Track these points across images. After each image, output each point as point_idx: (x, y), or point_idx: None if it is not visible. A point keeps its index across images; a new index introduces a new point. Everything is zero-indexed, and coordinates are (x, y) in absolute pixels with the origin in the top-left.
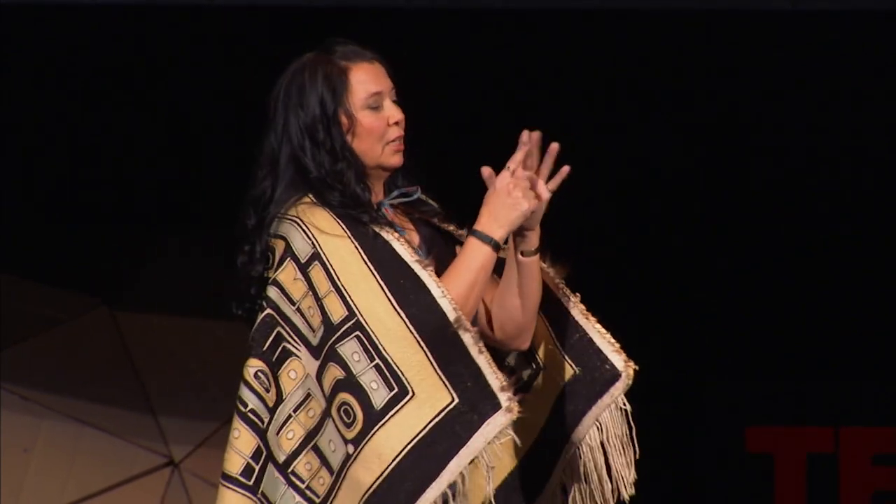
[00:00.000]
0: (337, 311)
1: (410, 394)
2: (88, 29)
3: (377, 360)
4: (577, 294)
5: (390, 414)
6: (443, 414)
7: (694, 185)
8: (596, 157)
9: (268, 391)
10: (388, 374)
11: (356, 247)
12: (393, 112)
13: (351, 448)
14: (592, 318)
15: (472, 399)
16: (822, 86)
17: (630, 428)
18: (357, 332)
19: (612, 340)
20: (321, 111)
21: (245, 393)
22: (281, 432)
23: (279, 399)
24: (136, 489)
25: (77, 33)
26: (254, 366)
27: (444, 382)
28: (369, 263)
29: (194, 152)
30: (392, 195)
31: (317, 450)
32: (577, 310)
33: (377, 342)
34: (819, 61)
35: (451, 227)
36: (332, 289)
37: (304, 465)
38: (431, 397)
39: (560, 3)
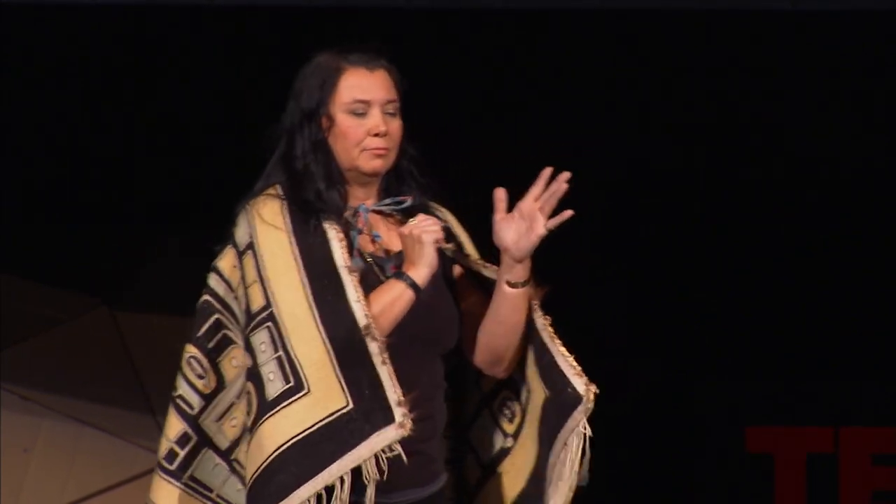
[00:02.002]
0: (257, 301)
1: (306, 390)
2: (88, 29)
3: (280, 353)
4: (549, 317)
5: (281, 406)
6: (335, 416)
7: (693, 184)
8: (595, 157)
9: (201, 378)
10: (287, 367)
11: (290, 241)
12: (378, 122)
13: (248, 436)
14: (558, 341)
15: (367, 408)
16: (822, 86)
17: (583, 453)
18: (269, 323)
19: (574, 363)
20: (308, 104)
21: (178, 379)
22: (224, 419)
23: (220, 386)
24: (136, 489)
25: (77, 33)
26: (188, 352)
27: (341, 386)
28: (298, 259)
29: (194, 152)
30: (381, 202)
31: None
32: (547, 333)
33: (284, 335)
34: (819, 61)
35: (451, 245)
36: (257, 279)
37: (243, 453)
38: (326, 397)
39: (560, 4)
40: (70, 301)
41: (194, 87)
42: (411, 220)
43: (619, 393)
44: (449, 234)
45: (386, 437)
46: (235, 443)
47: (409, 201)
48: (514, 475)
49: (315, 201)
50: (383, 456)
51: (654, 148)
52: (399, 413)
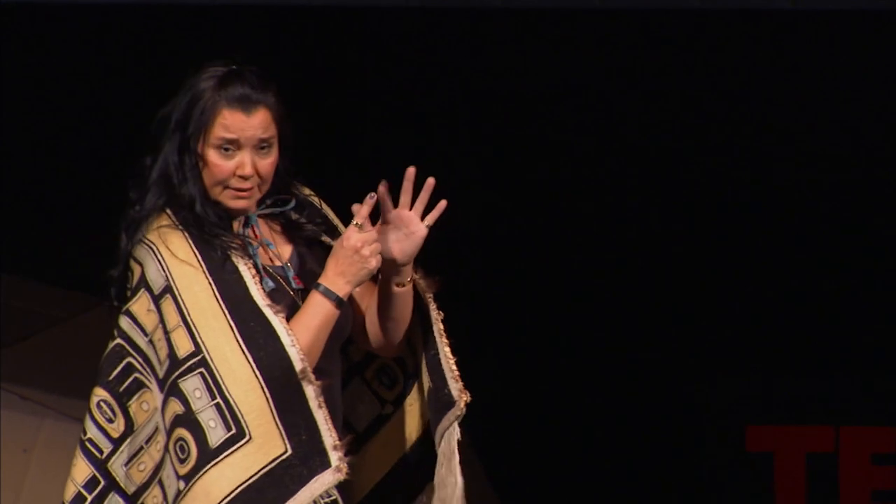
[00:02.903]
0: (183, 346)
1: (247, 437)
2: (90, 28)
3: (218, 399)
4: (442, 312)
5: (225, 454)
6: (275, 463)
7: (694, 183)
8: (595, 156)
9: (111, 422)
10: (227, 414)
11: (209, 282)
12: (244, 163)
13: (182, 484)
14: (445, 340)
15: (305, 453)
16: (822, 85)
17: (456, 456)
18: (201, 369)
19: (454, 367)
20: (185, 130)
21: (86, 422)
22: (131, 463)
23: (128, 430)
24: None
25: (78, 32)
26: (98, 395)
27: (280, 431)
28: (221, 302)
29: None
30: (264, 206)
31: (160, 484)
32: (437, 328)
33: (220, 381)
34: (820, 60)
35: (327, 239)
36: (181, 323)
37: (152, 499)
38: (266, 444)
39: (559, 3)
40: (69, 300)
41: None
42: (354, 222)
43: (619, 391)
44: (328, 224)
45: (324, 483)
46: (143, 488)
47: (293, 201)
48: (393, 442)
49: (196, 225)
50: (321, 502)
51: (654, 146)
52: (335, 457)
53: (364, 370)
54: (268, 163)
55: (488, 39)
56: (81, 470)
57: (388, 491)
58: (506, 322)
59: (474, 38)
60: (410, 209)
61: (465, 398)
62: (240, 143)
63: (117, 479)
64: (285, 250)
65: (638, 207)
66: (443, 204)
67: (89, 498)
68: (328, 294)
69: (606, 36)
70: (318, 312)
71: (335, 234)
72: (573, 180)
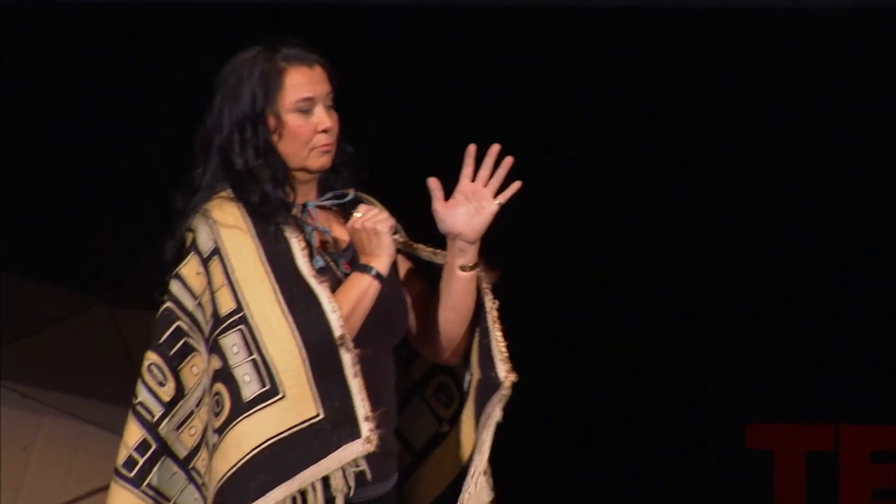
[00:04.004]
0: (226, 304)
1: (281, 395)
2: (90, 27)
3: (255, 356)
4: (497, 301)
5: (257, 408)
6: (306, 424)
7: (693, 181)
8: (596, 152)
9: (162, 385)
10: (263, 370)
11: (257, 246)
12: (323, 118)
13: (216, 437)
14: (497, 325)
15: (336, 419)
16: (821, 84)
17: (492, 438)
18: (241, 326)
19: (503, 349)
20: (251, 108)
21: (138, 386)
22: (183, 428)
23: (179, 394)
24: None
25: (78, 31)
26: (149, 359)
27: (314, 394)
28: (266, 265)
29: (193, 151)
30: (323, 197)
31: (208, 445)
32: (491, 316)
33: (259, 338)
34: (820, 59)
35: (398, 236)
36: (225, 282)
37: (202, 462)
38: (299, 405)
39: (557, 0)
40: (69, 299)
41: (195, 85)
42: (355, 213)
43: (619, 388)
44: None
45: (352, 452)
46: (194, 451)
47: (351, 194)
48: (449, 460)
49: (260, 204)
50: (349, 470)
51: (654, 143)
52: (366, 428)
53: (424, 389)
54: (336, 119)
55: (496, 35)
56: (133, 433)
57: None
58: (504, 318)
59: (479, 34)
60: (485, 185)
61: (510, 378)
62: (314, 100)
63: (168, 442)
64: (341, 240)
65: (638, 206)
66: (517, 184)
67: (141, 461)
68: (365, 269)
69: (603, 34)
70: (356, 285)
71: (396, 233)
72: (570, 177)
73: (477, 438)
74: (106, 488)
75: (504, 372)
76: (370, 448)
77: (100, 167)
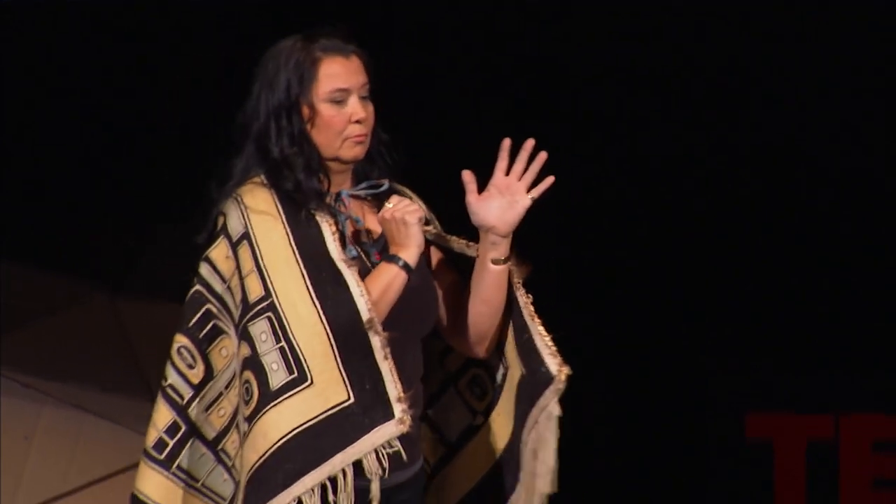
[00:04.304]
0: (255, 291)
1: (309, 381)
2: (89, 21)
3: (283, 343)
4: (530, 295)
5: (284, 396)
6: (336, 409)
7: (693, 170)
8: (596, 145)
9: (191, 368)
10: (290, 358)
11: (287, 232)
12: (357, 109)
13: (246, 426)
14: (537, 320)
15: (367, 402)
16: (820, 71)
17: (555, 435)
18: (269, 313)
19: (550, 343)
20: (286, 96)
21: (167, 368)
22: (212, 409)
23: (208, 376)
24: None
25: (78, 25)
26: (178, 342)
27: (343, 378)
28: (295, 250)
29: (194, 140)
30: (358, 187)
31: (238, 429)
32: (528, 311)
33: (286, 325)
34: (819, 49)
35: (430, 227)
36: (254, 268)
37: (231, 443)
38: (328, 390)
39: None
40: (70, 288)
41: (192, 76)
42: (387, 204)
43: (619, 378)
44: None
45: (385, 433)
46: (223, 433)
47: (385, 185)
48: (483, 452)
49: (294, 191)
50: (383, 451)
51: (655, 135)
52: (399, 409)
53: (458, 381)
54: (371, 110)
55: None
56: (163, 416)
57: (478, 501)
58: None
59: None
60: (519, 179)
61: (564, 371)
62: (349, 91)
63: (198, 424)
64: (374, 230)
65: (639, 199)
66: (550, 179)
67: (171, 443)
68: (393, 259)
69: (601, 25)
70: (384, 274)
71: (428, 225)
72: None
73: (528, 435)
74: (106, 478)
75: (556, 366)
76: (403, 429)
77: (101, 158)
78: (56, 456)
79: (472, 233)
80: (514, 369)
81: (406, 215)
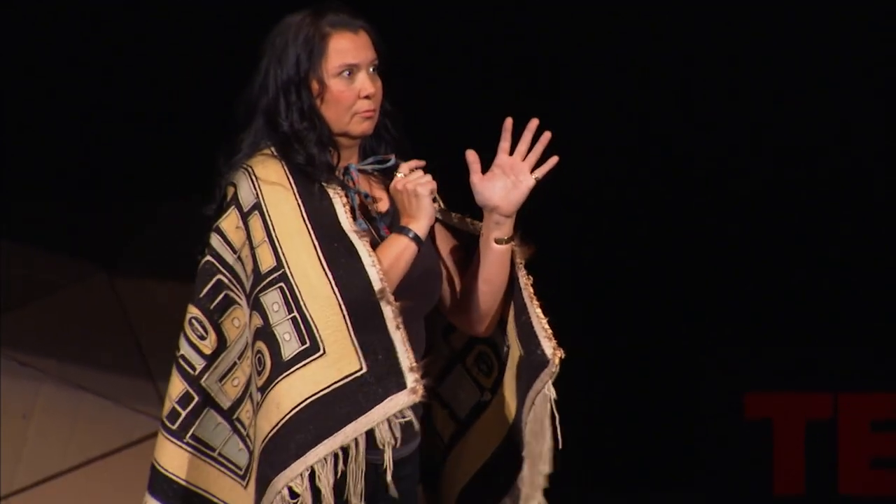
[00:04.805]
0: (266, 261)
1: (321, 351)
2: (90, 26)
3: (295, 313)
4: (531, 277)
5: (297, 366)
6: (348, 379)
7: (690, 154)
8: (597, 137)
9: (203, 339)
10: (303, 328)
11: (298, 203)
12: (366, 85)
13: (258, 396)
14: (536, 302)
15: (380, 372)
16: (817, 66)
17: (553, 417)
18: (281, 284)
19: (546, 326)
20: (296, 71)
21: (180, 339)
22: (226, 379)
23: (221, 346)
24: (135, 455)
25: (78, 5)
26: (190, 313)
27: (355, 348)
28: (307, 221)
29: (190, 120)
30: (365, 161)
31: (251, 398)
32: (528, 292)
33: (298, 296)
34: (820, 45)
35: (436, 204)
36: (265, 239)
37: (246, 413)
38: (341, 360)
39: None
40: (69, 267)
41: (191, 56)
42: (398, 174)
43: (618, 358)
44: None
45: (398, 403)
46: (237, 403)
47: (392, 160)
48: (491, 429)
49: (306, 165)
50: (395, 421)
51: (654, 123)
52: (411, 379)
53: (465, 358)
54: (379, 85)
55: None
56: (176, 386)
57: (489, 478)
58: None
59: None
60: (523, 160)
61: (558, 355)
62: (358, 66)
63: (212, 394)
64: (382, 204)
65: (636, 177)
66: (554, 159)
67: (184, 413)
68: (403, 230)
69: (601, 19)
70: (394, 246)
71: (434, 201)
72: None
73: (527, 416)
74: (105, 456)
75: (551, 349)
76: (416, 398)
77: (100, 137)
78: (55, 434)
79: (475, 213)
80: (514, 349)
81: (418, 187)
